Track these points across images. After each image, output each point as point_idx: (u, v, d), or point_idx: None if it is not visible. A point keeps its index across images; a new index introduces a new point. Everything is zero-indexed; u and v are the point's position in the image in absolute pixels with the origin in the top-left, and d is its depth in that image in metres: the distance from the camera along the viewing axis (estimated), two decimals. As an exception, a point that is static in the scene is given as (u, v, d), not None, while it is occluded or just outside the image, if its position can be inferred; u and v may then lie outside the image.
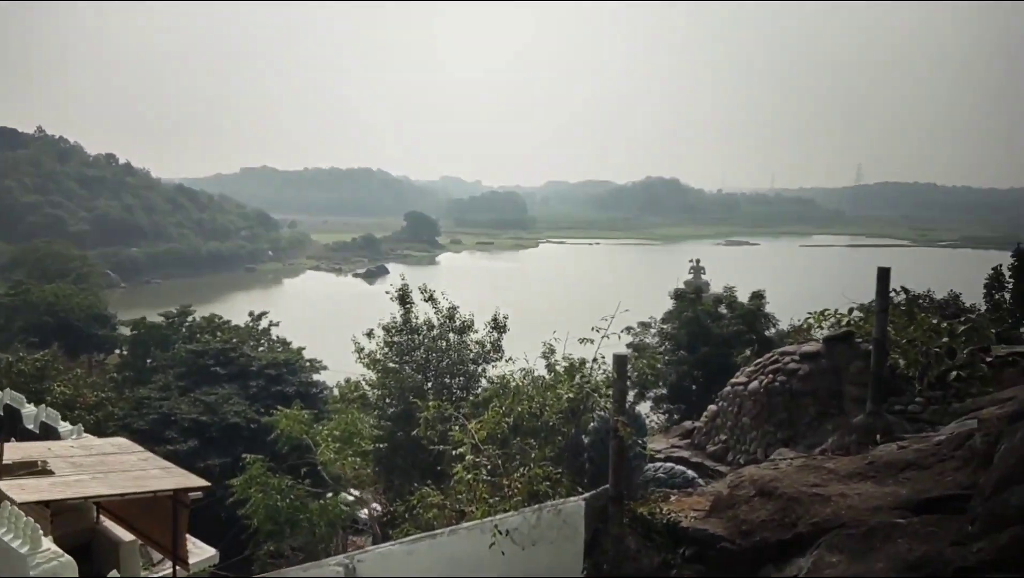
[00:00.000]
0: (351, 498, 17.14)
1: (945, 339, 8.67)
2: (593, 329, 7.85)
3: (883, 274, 7.77)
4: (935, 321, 9.21)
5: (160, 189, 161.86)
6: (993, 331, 9.88)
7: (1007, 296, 28.50)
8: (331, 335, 37.08)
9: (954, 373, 8.35)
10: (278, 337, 36.92)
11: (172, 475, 11.03)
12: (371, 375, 16.38)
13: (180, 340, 33.73)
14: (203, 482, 10.89)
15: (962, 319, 9.83)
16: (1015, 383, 7.62)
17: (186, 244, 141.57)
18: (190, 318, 37.72)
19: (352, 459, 13.85)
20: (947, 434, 5.89)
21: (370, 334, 16.75)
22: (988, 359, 8.58)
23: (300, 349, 33.05)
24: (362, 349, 16.39)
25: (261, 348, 33.40)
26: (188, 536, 11.61)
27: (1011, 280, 28.67)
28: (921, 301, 17.17)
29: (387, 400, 15.63)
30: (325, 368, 30.71)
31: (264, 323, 37.98)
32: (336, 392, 23.85)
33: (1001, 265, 28.87)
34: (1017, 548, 3.08)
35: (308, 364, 30.46)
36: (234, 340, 30.72)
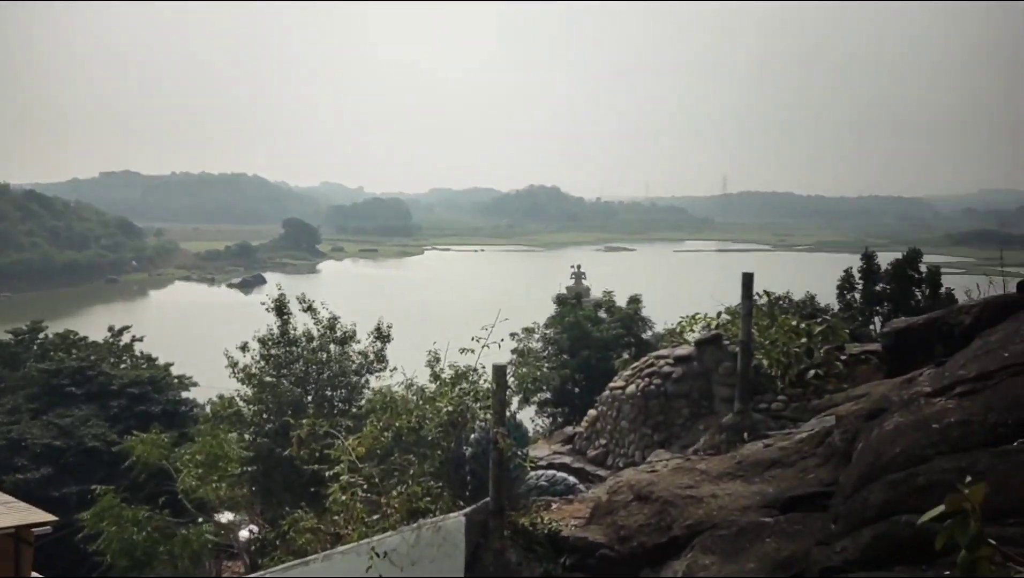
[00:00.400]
0: (224, 521, 16.21)
1: (804, 340, 9.19)
2: (473, 339, 7.76)
3: (747, 280, 8.14)
4: (794, 322, 9.76)
5: (9, 195, 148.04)
6: (847, 330, 10.58)
7: (857, 296, 30.94)
8: (203, 349, 35.11)
9: (812, 372, 8.86)
10: (142, 353, 34.49)
11: (14, 511, 9.96)
12: (246, 390, 15.63)
13: (31, 359, 30.87)
14: (50, 517, 9.90)
15: (819, 320, 10.47)
16: (868, 379, 8.16)
17: (39, 254, 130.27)
18: (42, 334, 34.58)
19: (217, 485, 13.02)
20: (808, 431, 6.20)
21: (245, 347, 16.00)
22: (843, 357, 9.16)
23: (167, 365, 31.02)
24: (236, 363, 15.61)
25: (123, 365, 31.11)
26: (36, 575, 10.56)
27: (860, 281, 31.16)
28: (781, 302, 18.28)
29: (263, 416, 14.96)
30: (195, 384, 28.96)
31: (126, 338, 35.38)
32: (208, 410, 22.56)
33: (851, 268, 31.33)
34: (879, 546, 3.21)
35: (176, 381, 28.66)
36: (92, 357, 28.42)
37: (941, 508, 1.81)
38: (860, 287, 30.77)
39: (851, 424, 4.83)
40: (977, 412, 3.58)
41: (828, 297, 30.07)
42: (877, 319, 29.71)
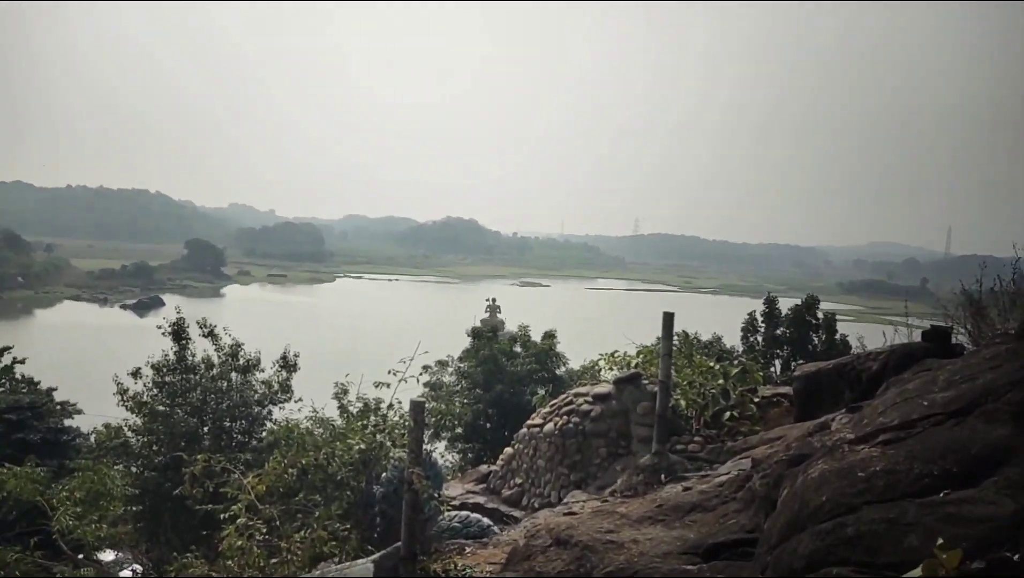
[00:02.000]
0: (103, 560, 14.97)
1: (721, 381, 9.32)
2: (390, 372, 7.41)
3: (668, 319, 8.17)
4: (712, 363, 9.91)
5: None
6: (760, 373, 10.81)
7: (760, 339, 32.16)
8: (90, 373, 32.90)
9: (728, 413, 8.95)
10: (23, 376, 31.97)
11: None
12: (136, 420, 14.59)
13: None
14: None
15: (735, 362, 10.67)
16: (779, 422, 8.31)
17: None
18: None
19: (98, 526, 11.91)
20: (726, 474, 6.19)
21: (137, 373, 14.95)
22: (756, 400, 9.31)
23: (50, 390, 28.83)
24: (126, 390, 14.56)
25: (1, 389, 28.68)
26: None
27: (763, 325, 32.44)
28: (692, 341, 18.71)
29: (153, 448, 13.97)
30: (80, 412, 26.98)
31: (7, 359, 32.69)
32: (92, 439, 21.00)
33: (755, 311, 32.60)
34: (813, 603, 3.12)
35: (59, 407, 26.63)
36: (-35, 380, 26.11)
37: (917, 572, 1.72)
38: (762, 330, 32.05)
39: (772, 469, 4.81)
40: (902, 461, 3.57)
41: (732, 339, 31.21)
42: (777, 362, 30.98)
